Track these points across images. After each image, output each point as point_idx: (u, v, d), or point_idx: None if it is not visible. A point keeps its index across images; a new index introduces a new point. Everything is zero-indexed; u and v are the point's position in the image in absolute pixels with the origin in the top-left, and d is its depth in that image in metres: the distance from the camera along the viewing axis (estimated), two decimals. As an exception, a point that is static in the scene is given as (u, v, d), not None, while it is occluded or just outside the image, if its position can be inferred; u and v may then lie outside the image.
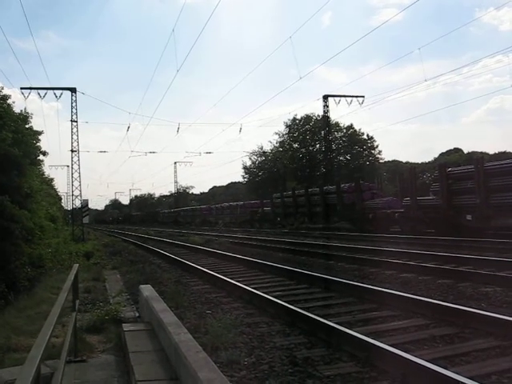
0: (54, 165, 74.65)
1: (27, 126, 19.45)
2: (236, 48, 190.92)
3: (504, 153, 61.20)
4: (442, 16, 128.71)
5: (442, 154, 75.37)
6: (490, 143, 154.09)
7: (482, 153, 60.58)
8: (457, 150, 74.43)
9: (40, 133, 20.44)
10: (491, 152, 68.36)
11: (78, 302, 6.30)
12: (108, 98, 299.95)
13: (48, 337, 2.92)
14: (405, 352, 5.01)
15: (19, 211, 15.56)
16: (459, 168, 24.18)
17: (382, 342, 5.46)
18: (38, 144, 20.47)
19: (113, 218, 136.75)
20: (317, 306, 8.44)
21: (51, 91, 37.51)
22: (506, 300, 8.19)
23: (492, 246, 16.05)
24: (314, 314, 6.97)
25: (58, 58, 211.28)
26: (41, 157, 21.90)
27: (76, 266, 6.78)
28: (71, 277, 5.64)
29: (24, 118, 19.50)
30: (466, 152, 70.55)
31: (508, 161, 21.18)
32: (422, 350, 5.61)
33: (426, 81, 38.05)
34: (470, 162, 23.35)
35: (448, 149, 77.52)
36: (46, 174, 44.35)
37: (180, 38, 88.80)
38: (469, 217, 21.59)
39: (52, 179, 50.13)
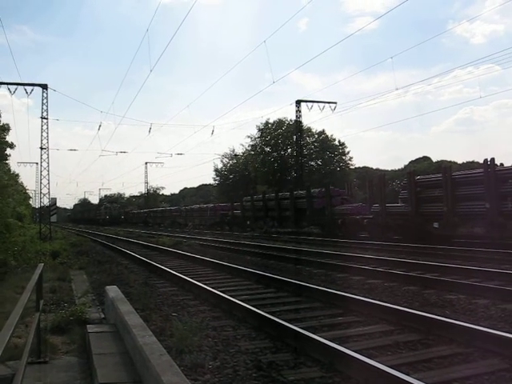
0: (23, 162, 73.36)
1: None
2: (212, 50, 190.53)
3: (472, 162, 62.21)
4: (416, 26, 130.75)
5: (411, 162, 76.39)
6: (458, 152, 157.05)
7: (450, 162, 61.58)
8: (426, 159, 75.51)
9: (8, 129, 20.06)
10: (460, 161, 69.65)
11: (42, 302, 6.20)
12: (81, 96, 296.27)
13: (8, 337, 2.86)
14: (368, 358, 5.07)
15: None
16: (428, 176, 24.63)
17: (346, 347, 5.49)
18: (6, 139, 20.10)
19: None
20: (283, 310, 8.45)
21: (22, 87, 36.86)
22: (469, 307, 8.32)
23: (458, 253, 16.32)
24: (280, 319, 6.99)
25: (32, 53, 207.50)
26: (8, 151, 21.48)
27: (41, 265, 6.67)
28: (35, 276, 5.54)
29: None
30: (434, 161, 71.57)
31: (475, 170, 21.63)
32: (386, 355, 5.67)
33: (397, 89, 38.38)
34: (439, 171, 23.74)
35: (417, 157, 78.72)
36: (13, 170, 43.49)
37: (157, 38, 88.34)
38: (436, 224, 21.96)
39: (17, 175, 49.10)
